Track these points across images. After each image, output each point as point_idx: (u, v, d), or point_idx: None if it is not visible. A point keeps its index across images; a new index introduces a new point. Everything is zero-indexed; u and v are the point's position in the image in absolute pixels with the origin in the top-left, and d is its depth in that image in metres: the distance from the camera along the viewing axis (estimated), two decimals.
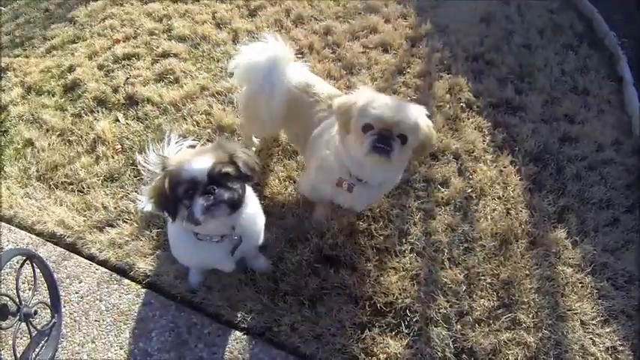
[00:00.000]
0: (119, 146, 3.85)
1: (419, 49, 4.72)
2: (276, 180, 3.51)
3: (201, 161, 2.17)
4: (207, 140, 3.77)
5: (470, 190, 3.48)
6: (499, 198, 3.45)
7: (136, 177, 3.59)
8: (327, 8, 5.28)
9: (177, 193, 2.16)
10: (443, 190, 3.47)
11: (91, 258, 3.14)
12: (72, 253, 3.17)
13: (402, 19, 5.12)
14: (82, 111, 4.20)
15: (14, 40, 5.33)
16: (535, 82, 4.41)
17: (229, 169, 2.22)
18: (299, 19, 5.11)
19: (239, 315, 2.80)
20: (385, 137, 2.39)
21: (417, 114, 2.49)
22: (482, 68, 4.53)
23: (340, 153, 2.65)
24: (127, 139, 3.91)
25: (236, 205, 2.25)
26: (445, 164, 3.63)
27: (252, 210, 2.54)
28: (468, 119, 4.00)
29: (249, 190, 2.47)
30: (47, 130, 4.06)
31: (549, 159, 3.73)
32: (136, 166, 3.56)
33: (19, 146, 3.98)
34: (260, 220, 2.68)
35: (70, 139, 3.97)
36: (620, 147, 3.88)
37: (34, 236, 3.29)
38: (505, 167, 3.63)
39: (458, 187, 3.46)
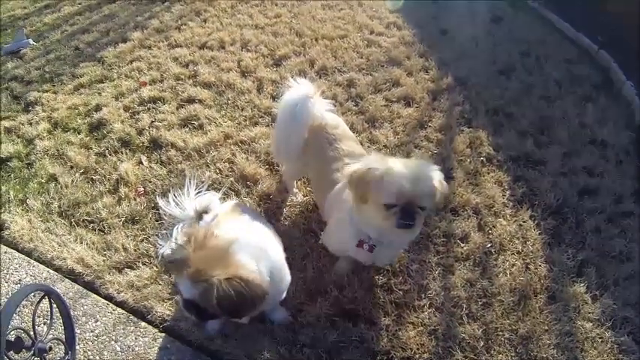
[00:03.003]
0: (141, 189, 3.88)
1: (440, 102, 4.80)
2: (298, 232, 3.51)
3: (187, 291, 2.17)
4: (229, 189, 3.81)
5: (489, 245, 3.46)
6: (518, 253, 3.43)
7: (157, 221, 3.60)
8: (350, 60, 5.40)
9: None
10: (462, 245, 3.46)
11: (108, 298, 3.13)
12: (89, 292, 3.16)
13: (423, 72, 5.23)
14: (107, 151, 4.26)
15: (44, 75, 5.46)
16: (554, 135, 4.45)
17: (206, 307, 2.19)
18: (323, 71, 5.22)
19: None
20: (408, 211, 2.44)
21: (433, 177, 2.51)
22: (503, 121, 4.59)
23: (358, 221, 2.68)
24: (150, 182, 3.94)
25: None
26: (465, 219, 3.62)
27: (278, 271, 2.52)
28: (488, 173, 4.02)
29: (277, 248, 2.56)
30: (71, 167, 4.12)
31: (568, 212, 3.72)
32: (158, 210, 3.55)
33: (42, 180, 4.03)
34: (284, 282, 2.65)
35: (94, 177, 4.01)
36: (639, 198, 3.87)
37: (52, 271, 3.29)
38: (524, 222, 3.62)
39: (477, 242, 3.45)
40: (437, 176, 2.53)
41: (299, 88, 3.22)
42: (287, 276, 2.66)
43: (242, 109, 4.68)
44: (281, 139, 3.38)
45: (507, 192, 3.86)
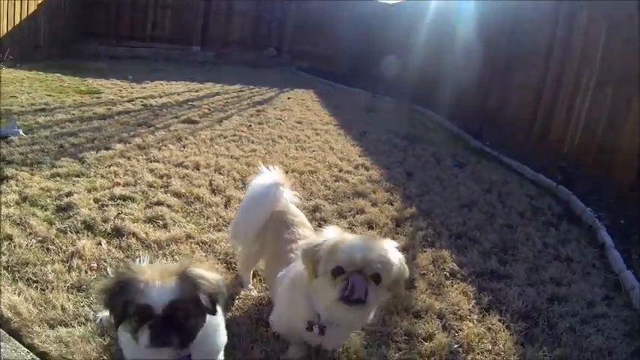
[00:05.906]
0: (95, 265, 3.77)
1: (404, 228, 4.98)
2: (249, 320, 3.36)
3: (161, 291, 2.01)
4: None
5: (456, 346, 3.27)
6: (488, 351, 3.25)
7: None
8: (317, 191, 5.72)
9: (127, 312, 2.05)
10: (426, 343, 3.27)
11: (30, 347, 2.87)
12: (12, 337, 2.90)
13: (388, 204, 5.52)
14: (69, 229, 4.20)
15: (25, 160, 5.58)
16: (518, 253, 4.57)
17: (189, 308, 2.07)
18: None
19: None
20: (358, 280, 2.33)
21: (388, 249, 2.48)
22: (466, 244, 4.73)
23: (309, 297, 2.61)
24: (105, 261, 3.83)
25: (188, 340, 2.11)
26: (428, 322, 3.46)
27: (213, 328, 2.37)
28: (452, 285, 3.99)
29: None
30: (30, 234, 4.01)
31: (539, 317, 3.65)
32: None
33: None
34: (219, 339, 2.48)
35: (49, 247, 3.88)
36: (611, 301, 3.86)
37: None
38: (493, 324, 3.50)
39: (442, 341, 3.26)
40: (394, 250, 2.51)
41: (270, 174, 3.44)
42: (221, 337, 2.51)
43: (207, 218, 4.76)
44: (241, 218, 3.52)
45: (473, 301, 3.79)
